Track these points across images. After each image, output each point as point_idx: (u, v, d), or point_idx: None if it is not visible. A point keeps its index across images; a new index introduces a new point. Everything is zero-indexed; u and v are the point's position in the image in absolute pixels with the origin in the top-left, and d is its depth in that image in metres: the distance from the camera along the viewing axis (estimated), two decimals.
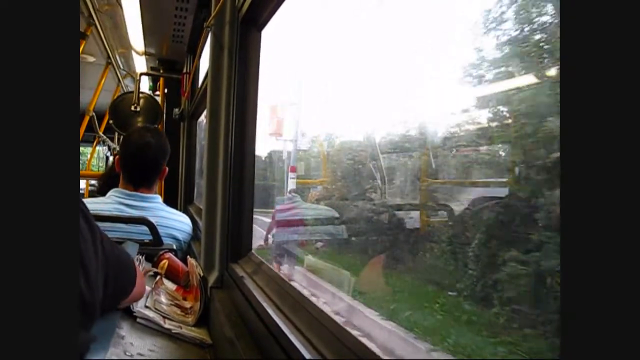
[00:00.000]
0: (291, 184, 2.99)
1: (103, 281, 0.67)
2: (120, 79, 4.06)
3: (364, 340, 0.55)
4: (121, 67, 3.78)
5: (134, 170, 1.57)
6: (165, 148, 1.62)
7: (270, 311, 0.75)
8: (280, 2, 0.99)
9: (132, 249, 1.19)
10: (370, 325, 1.19)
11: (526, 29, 0.91)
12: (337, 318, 0.64)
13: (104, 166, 5.81)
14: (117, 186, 1.59)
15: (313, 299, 0.73)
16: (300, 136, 3.10)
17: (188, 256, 1.33)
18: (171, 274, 1.20)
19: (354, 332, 0.58)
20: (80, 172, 4.40)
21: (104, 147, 5.86)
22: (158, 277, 1.14)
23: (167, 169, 1.64)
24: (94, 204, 1.49)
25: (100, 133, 4.51)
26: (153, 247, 1.38)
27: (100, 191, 1.81)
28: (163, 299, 1.05)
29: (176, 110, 2.83)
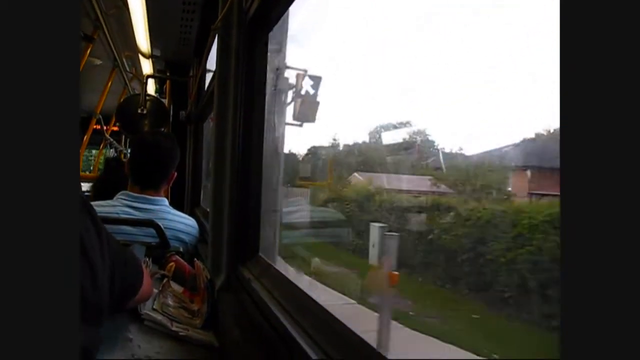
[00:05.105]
0: None
1: (110, 281, 0.67)
2: (127, 81, 4.09)
3: None
4: (128, 69, 3.80)
5: (141, 171, 1.57)
6: (175, 152, 1.62)
7: (277, 314, 0.75)
8: (289, 3, 0.99)
9: (139, 252, 1.19)
10: None
11: None
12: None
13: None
14: (110, 191, 1.58)
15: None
16: None
17: (195, 259, 1.33)
18: (178, 276, 1.20)
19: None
20: (87, 174, 4.43)
21: (111, 150, 5.91)
22: (165, 279, 1.14)
23: (175, 174, 1.63)
24: (101, 207, 1.49)
25: (107, 135, 4.55)
26: (160, 249, 1.38)
27: (95, 197, 1.80)
28: (170, 301, 1.05)
29: (183, 112, 2.83)
